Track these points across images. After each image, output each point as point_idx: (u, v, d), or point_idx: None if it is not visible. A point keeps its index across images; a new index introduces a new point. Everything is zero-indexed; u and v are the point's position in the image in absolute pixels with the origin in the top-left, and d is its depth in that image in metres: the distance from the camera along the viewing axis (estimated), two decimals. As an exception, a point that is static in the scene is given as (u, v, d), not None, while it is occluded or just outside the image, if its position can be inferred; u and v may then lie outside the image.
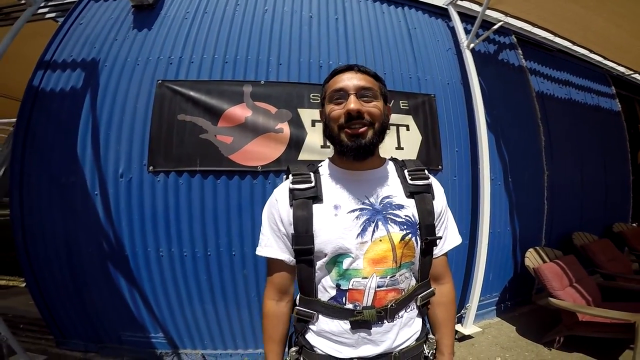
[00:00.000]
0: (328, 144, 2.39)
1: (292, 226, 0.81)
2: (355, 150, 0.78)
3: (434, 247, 0.88)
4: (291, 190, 0.83)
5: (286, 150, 2.39)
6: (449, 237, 0.93)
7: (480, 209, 2.81)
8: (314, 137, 2.45)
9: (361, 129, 0.78)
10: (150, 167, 2.27)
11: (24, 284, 3.55)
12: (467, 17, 3.14)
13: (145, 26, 2.54)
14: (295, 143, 2.41)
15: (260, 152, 2.36)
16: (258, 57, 2.49)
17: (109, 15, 2.64)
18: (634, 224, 4.72)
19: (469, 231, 2.92)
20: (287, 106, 2.42)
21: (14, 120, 2.47)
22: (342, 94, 0.79)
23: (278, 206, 0.84)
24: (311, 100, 2.47)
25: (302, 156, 2.41)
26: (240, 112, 2.34)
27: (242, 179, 2.37)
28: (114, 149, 2.31)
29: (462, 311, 2.85)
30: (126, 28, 2.55)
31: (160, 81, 2.34)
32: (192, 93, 2.32)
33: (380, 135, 0.81)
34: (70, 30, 2.58)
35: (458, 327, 2.80)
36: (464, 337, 2.73)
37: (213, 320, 2.39)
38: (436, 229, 0.86)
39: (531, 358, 2.44)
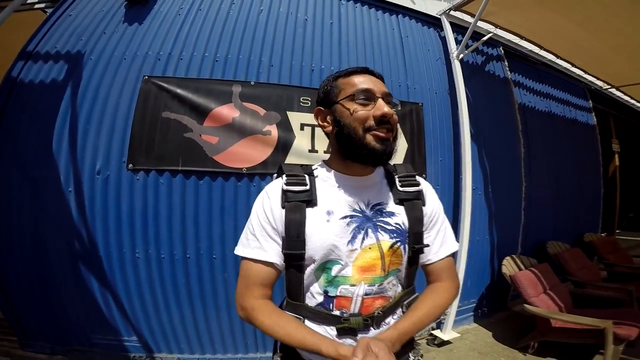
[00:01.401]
0: (316, 148, 2.43)
1: (284, 228, 0.77)
2: (382, 155, 0.76)
3: (421, 256, 0.85)
4: (284, 192, 0.79)
5: (273, 153, 2.36)
6: (448, 243, 0.89)
7: (461, 218, 2.87)
8: (302, 141, 2.42)
9: (389, 134, 0.76)
10: (130, 165, 2.18)
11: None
12: (458, 28, 3.19)
13: (136, 20, 2.46)
14: (283, 146, 2.38)
15: (246, 154, 2.31)
16: (250, 57, 2.44)
17: (100, 8, 2.55)
18: (603, 234, 4.99)
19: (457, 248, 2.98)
20: (276, 108, 2.38)
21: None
22: (369, 96, 0.76)
23: (270, 204, 0.80)
24: (301, 104, 2.44)
25: (289, 159, 2.38)
26: (228, 112, 2.28)
27: (226, 181, 2.31)
28: (92, 144, 2.21)
29: (442, 317, 2.92)
30: (116, 22, 2.46)
31: (146, 77, 2.25)
32: (178, 90, 2.24)
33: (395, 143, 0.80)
34: (58, 21, 2.47)
35: (437, 332, 2.87)
36: (443, 343, 2.79)
37: (190, 324, 2.32)
38: (424, 235, 0.84)
39: None
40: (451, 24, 3.13)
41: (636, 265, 4.01)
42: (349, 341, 0.77)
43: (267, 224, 0.79)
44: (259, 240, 0.80)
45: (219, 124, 2.27)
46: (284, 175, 0.81)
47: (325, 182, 0.83)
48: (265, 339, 2.42)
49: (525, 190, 3.60)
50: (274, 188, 0.82)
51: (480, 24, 3.11)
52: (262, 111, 2.36)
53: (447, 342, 2.80)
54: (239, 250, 0.82)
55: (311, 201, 0.78)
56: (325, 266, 0.77)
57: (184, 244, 2.26)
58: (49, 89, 2.28)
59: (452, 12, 3.09)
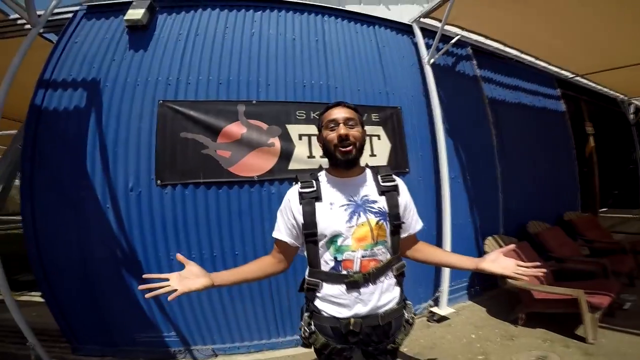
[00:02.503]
0: (313, 154, 2.83)
1: (302, 217, 1.14)
2: (345, 162, 1.14)
3: (401, 230, 1.21)
4: (300, 193, 1.17)
5: (278, 161, 2.73)
6: (412, 223, 1.29)
7: (443, 205, 3.25)
8: (301, 149, 2.80)
9: (348, 148, 1.13)
10: (158, 181, 2.53)
11: (21, 297, 3.66)
12: (429, 32, 3.54)
13: (141, 47, 2.73)
14: (285, 155, 2.75)
15: (255, 164, 2.68)
16: (249, 78, 2.79)
17: (104, 34, 2.79)
18: (585, 213, 5.32)
19: (436, 224, 3.34)
20: (276, 122, 2.76)
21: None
22: (334, 123, 1.14)
23: (290, 204, 1.18)
24: (297, 117, 2.82)
25: (292, 165, 2.76)
26: (237, 129, 2.66)
27: (241, 188, 2.67)
28: (122, 165, 2.54)
29: (436, 294, 3.26)
30: (123, 48, 2.72)
31: (161, 101, 2.59)
32: (192, 112, 2.60)
33: (360, 151, 1.18)
34: (67, 48, 2.72)
35: (435, 309, 3.18)
36: (441, 319, 3.07)
37: (221, 316, 2.64)
38: (401, 217, 1.20)
39: (500, 334, 2.78)
40: (423, 29, 3.49)
41: (614, 240, 4.31)
42: (354, 295, 1.12)
43: (287, 217, 1.20)
44: (281, 227, 1.22)
45: (230, 140, 2.64)
46: (298, 182, 1.20)
47: (327, 183, 1.20)
48: (285, 324, 2.76)
49: (500, 175, 3.97)
50: (293, 192, 1.20)
51: (449, 27, 3.48)
52: (265, 126, 2.73)
53: (445, 318, 3.08)
54: (274, 234, 1.25)
55: (318, 197, 1.16)
56: (333, 239, 1.13)
57: (211, 244, 2.60)
58: (74, 115, 2.57)
59: (422, 19, 3.44)
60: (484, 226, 3.78)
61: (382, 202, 1.17)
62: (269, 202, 2.73)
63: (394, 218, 1.17)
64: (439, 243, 3.28)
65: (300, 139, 2.81)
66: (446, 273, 3.21)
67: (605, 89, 5.93)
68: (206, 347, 2.64)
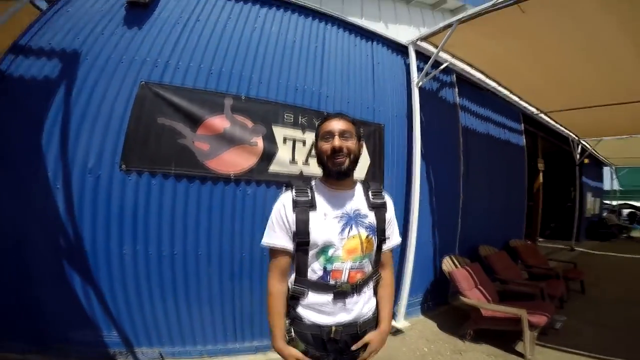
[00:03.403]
0: (296, 159, 2.75)
1: (295, 225, 1.13)
2: (337, 173, 1.15)
3: (383, 245, 1.24)
4: (294, 201, 1.15)
5: (258, 161, 2.61)
6: (394, 237, 1.32)
7: (410, 224, 3.35)
8: (284, 152, 2.71)
9: (341, 159, 1.13)
10: (123, 165, 2.29)
11: None
12: (420, 55, 3.64)
13: (135, 24, 2.50)
14: (267, 156, 2.64)
15: (234, 161, 2.53)
16: (241, 72, 2.65)
17: (100, 6, 2.55)
18: (528, 241, 5.84)
19: (401, 242, 3.42)
20: (262, 122, 2.64)
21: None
22: (329, 135, 1.15)
23: (285, 211, 1.15)
24: (285, 119, 2.72)
25: (273, 168, 2.66)
26: (220, 122, 2.49)
27: (215, 185, 2.51)
28: (84, 143, 2.27)
29: (395, 307, 3.34)
30: (115, 23, 2.48)
31: (143, 82, 2.37)
32: (174, 98, 2.40)
33: (354, 164, 1.18)
34: (55, 16, 2.42)
35: (393, 322, 3.27)
36: (397, 331, 3.18)
37: (173, 318, 2.45)
38: (386, 232, 1.24)
39: (450, 348, 2.92)
40: (417, 52, 3.58)
41: (550, 267, 4.75)
42: (339, 304, 1.14)
43: (282, 224, 1.16)
44: (278, 234, 1.17)
45: (211, 132, 2.47)
46: (293, 189, 1.18)
47: (321, 192, 1.20)
48: (244, 330, 2.65)
49: (462, 202, 4.21)
50: (287, 198, 1.17)
51: (441, 53, 3.58)
52: (250, 124, 2.60)
53: (401, 331, 3.20)
54: (266, 241, 1.19)
55: (312, 206, 1.15)
56: (324, 249, 1.13)
57: (172, 241, 2.41)
58: (41, 85, 2.28)
59: (418, 42, 3.53)
60: (442, 246, 3.99)
61: (371, 217, 1.20)
62: (243, 203, 2.60)
63: (381, 233, 1.22)
64: (402, 260, 3.38)
65: (284, 142, 2.71)
66: (406, 288, 3.32)
67: (561, 128, 6.51)
68: (152, 349, 2.43)
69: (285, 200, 1.17)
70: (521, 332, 2.77)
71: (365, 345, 1.20)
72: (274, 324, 1.17)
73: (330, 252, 1.13)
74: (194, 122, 2.43)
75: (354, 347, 1.20)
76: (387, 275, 1.34)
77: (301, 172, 2.75)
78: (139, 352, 2.40)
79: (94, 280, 2.29)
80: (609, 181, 12.89)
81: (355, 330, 1.18)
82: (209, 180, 2.49)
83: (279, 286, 1.18)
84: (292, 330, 1.17)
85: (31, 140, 2.23)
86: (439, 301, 4.03)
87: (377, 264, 1.26)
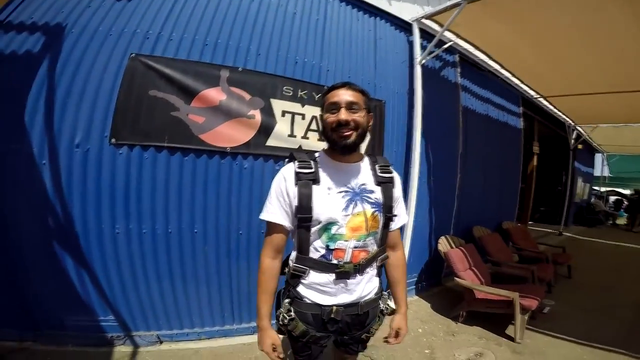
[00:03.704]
0: (295, 133, 2.66)
1: (297, 200, 1.06)
2: (342, 147, 1.07)
3: (391, 223, 1.19)
4: (297, 173, 1.07)
5: (255, 135, 2.50)
6: (402, 216, 1.26)
7: (408, 202, 3.31)
8: (283, 125, 2.60)
9: (347, 133, 1.05)
10: (113, 139, 2.16)
11: None
12: (423, 33, 3.53)
13: None
14: (265, 130, 2.53)
15: (230, 135, 2.42)
16: (239, 44, 2.51)
17: None
18: (518, 224, 5.92)
19: (407, 220, 3.38)
20: (260, 95, 2.52)
21: None
22: (336, 106, 1.06)
23: (286, 184, 1.08)
24: (284, 92, 2.60)
25: (270, 142, 2.56)
26: (215, 94, 2.36)
27: (210, 158, 2.40)
28: (71, 118, 2.12)
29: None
30: None
31: (133, 54, 2.21)
32: (167, 70, 2.25)
33: (361, 138, 1.10)
34: None
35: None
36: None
37: (170, 299, 2.38)
38: (393, 209, 1.17)
39: (443, 330, 2.96)
40: (420, 29, 3.47)
41: (540, 250, 4.86)
42: (341, 284, 1.10)
43: (282, 198, 1.09)
44: (275, 209, 1.10)
45: (206, 105, 2.34)
46: (295, 161, 1.10)
47: (325, 166, 1.12)
48: (242, 311, 2.60)
49: (459, 182, 4.20)
50: (289, 171, 1.10)
51: (445, 32, 3.50)
52: (247, 96, 2.47)
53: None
54: (263, 215, 1.13)
55: (315, 180, 1.08)
56: (326, 227, 1.07)
57: (167, 218, 2.31)
58: (22, 60, 2.11)
59: (423, 20, 3.42)
60: (438, 226, 3.99)
61: (378, 193, 1.14)
62: (240, 177, 2.50)
63: (388, 210, 1.15)
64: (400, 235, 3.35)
65: (283, 115, 2.60)
66: (404, 264, 3.29)
67: (559, 113, 6.54)
68: (150, 333, 2.37)
69: (286, 173, 1.10)
70: (511, 315, 2.79)
71: (366, 330, 1.21)
72: (261, 300, 1.13)
73: (334, 229, 1.07)
74: (188, 94, 2.30)
75: (392, 341, 1.23)
76: (399, 255, 1.30)
77: (300, 147, 2.66)
78: (137, 336, 2.35)
79: (86, 261, 2.19)
80: (600, 167, 13.13)
81: (357, 311, 1.14)
82: (204, 154, 2.37)
83: (270, 263, 1.13)
84: (292, 310, 1.12)
85: (14, 116, 2.08)
86: (432, 282, 4.06)
87: (383, 243, 1.20)
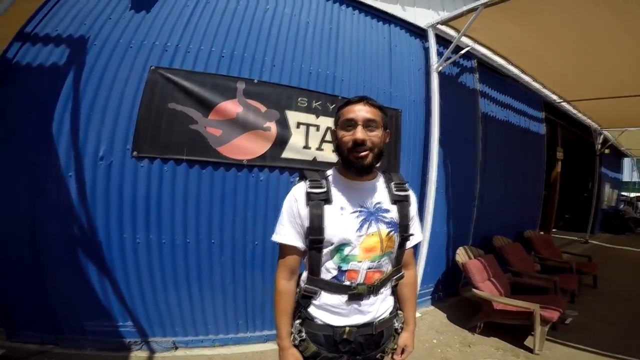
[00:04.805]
0: (309, 145, 2.66)
1: (308, 221, 1.02)
2: (359, 169, 1.02)
3: (407, 242, 1.15)
4: (308, 194, 1.03)
5: (271, 147, 2.53)
6: (417, 234, 1.20)
7: (425, 213, 3.26)
8: (298, 138, 2.62)
9: (363, 153, 1.00)
10: (135, 152, 2.23)
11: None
12: (439, 39, 3.48)
13: (144, 8, 2.39)
14: (281, 142, 2.56)
15: (247, 147, 2.46)
16: (254, 55, 2.55)
17: None
18: (541, 232, 5.72)
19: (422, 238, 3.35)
20: (276, 106, 2.54)
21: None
22: (352, 123, 1.00)
23: (297, 205, 1.05)
24: (298, 104, 2.62)
25: (286, 154, 2.57)
26: (232, 107, 2.41)
27: (227, 171, 2.45)
28: (95, 131, 2.21)
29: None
30: (123, 7, 2.37)
31: (153, 67, 2.28)
32: (185, 83, 2.31)
33: (378, 158, 1.05)
34: (60, 2, 2.33)
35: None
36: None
37: (187, 307, 2.43)
38: (409, 228, 1.12)
39: (459, 341, 2.89)
40: (436, 35, 3.42)
41: (564, 260, 4.69)
42: (354, 306, 1.06)
43: (293, 219, 1.06)
44: (287, 230, 1.07)
45: (224, 117, 2.39)
46: (307, 180, 1.06)
47: (337, 184, 1.08)
48: (255, 319, 2.63)
49: (478, 191, 4.09)
50: (300, 191, 1.06)
51: (462, 38, 3.44)
52: (263, 108, 2.51)
53: (415, 324, 3.18)
54: (275, 237, 1.10)
55: (328, 199, 1.03)
56: (339, 248, 1.03)
57: (185, 229, 2.37)
58: (48, 73, 2.21)
59: (438, 26, 3.38)
60: (456, 236, 3.90)
61: (394, 212, 1.09)
62: (256, 190, 2.54)
63: (404, 230, 1.10)
64: (416, 249, 3.28)
65: (298, 127, 2.62)
66: (419, 277, 3.25)
67: (583, 117, 6.30)
68: (166, 339, 2.42)
69: (297, 193, 1.06)
70: (531, 326, 2.72)
71: (381, 349, 1.16)
72: (280, 322, 1.10)
73: (347, 250, 1.03)
74: (206, 107, 2.35)
75: (397, 358, 1.19)
76: (410, 274, 1.26)
77: (314, 158, 2.67)
78: (153, 342, 2.40)
79: (108, 269, 2.27)
80: (629, 172, 12.52)
81: (371, 331, 1.10)
82: (221, 166, 2.42)
83: (286, 284, 1.10)
84: (303, 331, 1.09)
85: (42, 128, 2.18)
86: (449, 292, 3.97)
87: (398, 262, 1.16)
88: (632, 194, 13.81)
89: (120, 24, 2.35)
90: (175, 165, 2.33)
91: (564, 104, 5.50)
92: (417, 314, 3.26)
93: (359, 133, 0.98)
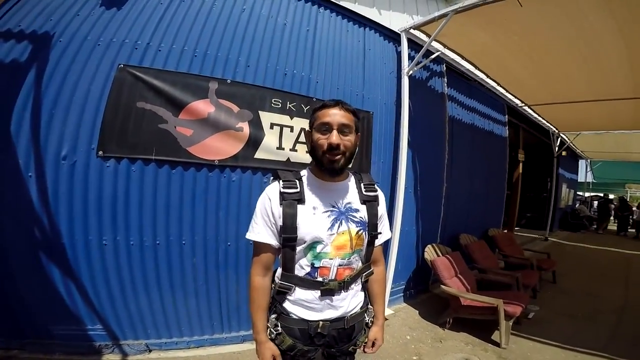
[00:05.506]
0: (283, 145, 2.69)
1: (281, 220, 1.07)
2: (331, 170, 1.08)
3: (376, 240, 1.22)
4: (281, 193, 1.08)
5: (244, 147, 2.52)
6: (386, 232, 1.29)
7: (395, 212, 3.37)
8: (271, 138, 2.63)
9: (337, 157, 1.06)
10: (100, 152, 2.16)
11: None
12: (411, 43, 3.59)
13: (115, 5, 2.30)
14: (254, 142, 2.56)
15: (218, 147, 2.44)
16: (228, 55, 2.52)
17: None
18: (504, 230, 6.03)
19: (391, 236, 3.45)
20: (249, 107, 2.54)
21: None
22: (327, 127, 1.05)
23: (271, 204, 1.10)
24: (272, 105, 2.63)
25: (259, 154, 2.58)
26: (204, 107, 2.38)
27: (198, 171, 2.42)
28: (58, 130, 2.11)
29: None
30: (93, 3, 2.27)
31: (122, 65, 2.21)
32: (155, 82, 2.26)
33: (349, 161, 1.11)
34: None
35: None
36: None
37: (158, 309, 2.39)
38: (378, 227, 1.19)
39: (431, 336, 3.01)
40: (409, 40, 3.52)
41: (525, 257, 4.94)
42: (326, 301, 1.12)
43: (267, 218, 1.10)
44: (261, 228, 1.12)
45: (195, 117, 2.36)
46: (280, 180, 1.11)
47: (312, 185, 1.13)
48: (231, 320, 2.62)
49: (445, 190, 4.28)
50: (273, 191, 1.11)
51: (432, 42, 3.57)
52: (236, 109, 2.49)
53: (385, 318, 3.26)
54: (249, 235, 1.14)
55: (301, 199, 1.08)
56: (312, 246, 1.09)
57: (154, 230, 2.32)
58: (7, 69, 2.09)
59: (411, 30, 3.47)
60: (425, 235, 4.05)
61: (363, 212, 1.15)
62: (228, 190, 2.52)
63: (373, 228, 1.17)
64: (386, 247, 3.38)
65: (271, 127, 2.63)
66: (390, 276, 3.36)
67: (543, 121, 6.70)
68: (138, 342, 2.37)
69: (271, 193, 1.11)
70: (497, 321, 2.86)
71: (353, 342, 1.22)
72: (256, 317, 1.14)
73: (319, 248, 1.08)
74: (177, 106, 2.31)
75: (367, 351, 1.26)
76: (379, 270, 1.33)
77: (288, 159, 2.70)
78: (125, 345, 2.35)
79: (73, 272, 2.19)
80: (584, 173, 13.45)
81: (343, 325, 1.16)
82: (192, 166, 2.39)
83: (261, 281, 1.15)
84: (279, 325, 1.14)
85: (-1, 127, 2.06)
86: (420, 288, 4.13)
87: (368, 259, 1.22)
88: (587, 194, 14.84)
89: (89, 20, 2.26)
90: (143, 165, 2.27)
91: (526, 108, 5.80)
92: (391, 311, 3.37)
93: (334, 137, 1.04)
